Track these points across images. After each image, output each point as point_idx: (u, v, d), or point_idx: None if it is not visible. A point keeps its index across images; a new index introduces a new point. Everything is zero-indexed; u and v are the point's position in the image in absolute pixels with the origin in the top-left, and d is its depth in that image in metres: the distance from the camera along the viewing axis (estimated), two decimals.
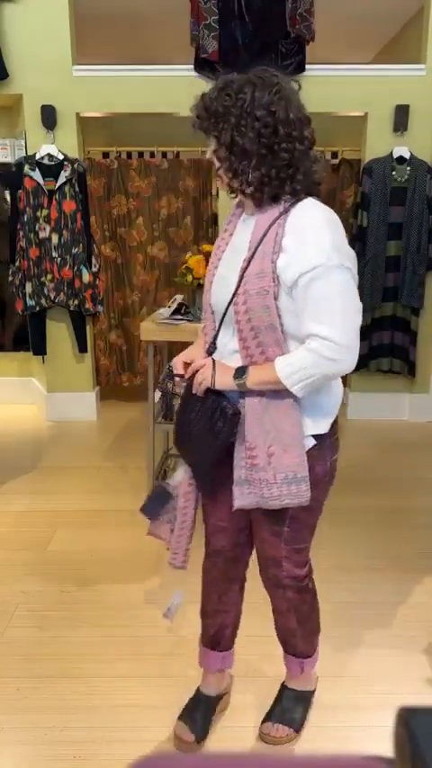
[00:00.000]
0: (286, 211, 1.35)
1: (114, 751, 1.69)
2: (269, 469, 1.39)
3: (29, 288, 3.98)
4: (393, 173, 3.88)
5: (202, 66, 3.83)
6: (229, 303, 1.40)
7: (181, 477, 1.60)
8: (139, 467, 3.41)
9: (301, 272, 1.30)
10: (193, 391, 1.45)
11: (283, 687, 1.78)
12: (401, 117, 3.89)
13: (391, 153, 3.89)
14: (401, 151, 3.87)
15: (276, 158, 1.32)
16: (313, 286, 1.30)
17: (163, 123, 4.34)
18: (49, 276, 3.98)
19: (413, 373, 4.16)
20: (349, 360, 1.34)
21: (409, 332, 4.10)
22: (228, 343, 1.46)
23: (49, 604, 2.32)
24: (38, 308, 4.03)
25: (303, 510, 1.47)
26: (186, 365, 1.53)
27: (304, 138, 1.33)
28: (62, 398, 4.30)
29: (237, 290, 1.38)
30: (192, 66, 3.87)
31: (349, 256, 1.35)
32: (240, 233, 1.46)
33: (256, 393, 1.40)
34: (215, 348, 1.47)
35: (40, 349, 4.18)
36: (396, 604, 2.33)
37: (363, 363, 4.13)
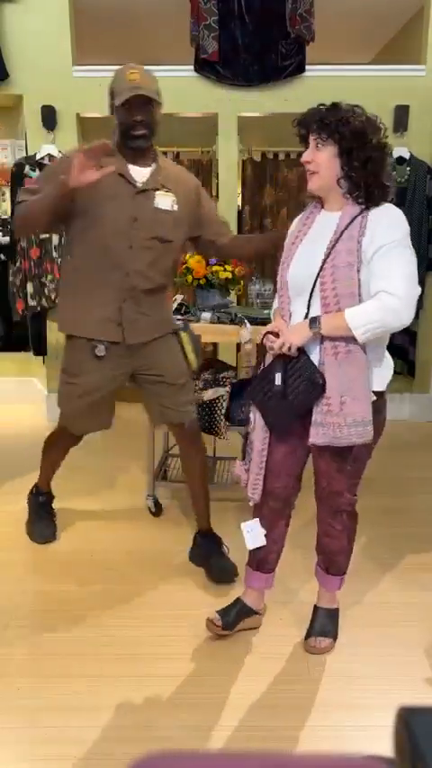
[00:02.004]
0: (368, 209, 1.72)
1: (114, 751, 1.69)
2: (341, 415, 1.73)
3: (30, 288, 3.98)
4: (393, 173, 3.87)
5: (202, 66, 3.84)
6: (317, 276, 1.72)
7: (255, 422, 1.93)
8: (139, 467, 3.41)
9: (380, 244, 1.67)
10: (283, 350, 1.76)
11: (317, 608, 2.12)
12: (401, 117, 3.89)
13: (391, 153, 3.88)
14: (401, 151, 3.87)
15: (376, 168, 1.73)
16: (387, 255, 1.67)
17: (163, 123, 4.34)
18: (50, 276, 3.98)
19: (413, 373, 4.16)
20: (407, 313, 1.67)
21: (408, 332, 4.10)
22: (303, 309, 1.78)
23: (49, 604, 2.32)
24: (38, 309, 4.04)
25: (361, 451, 1.84)
26: (273, 334, 1.82)
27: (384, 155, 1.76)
28: (63, 405, 4.29)
29: (324, 264, 1.70)
30: (192, 67, 3.87)
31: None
32: (321, 224, 1.80)
33: (332, 353, 1.72)
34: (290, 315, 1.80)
35: (40, 349, 4.19)
36: (396, 604, 2.33)
37: None
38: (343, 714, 1.83)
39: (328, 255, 1.71)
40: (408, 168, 3.87)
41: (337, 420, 1.73)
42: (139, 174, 2.21)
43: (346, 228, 1.70)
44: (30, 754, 1.69)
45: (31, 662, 2.03)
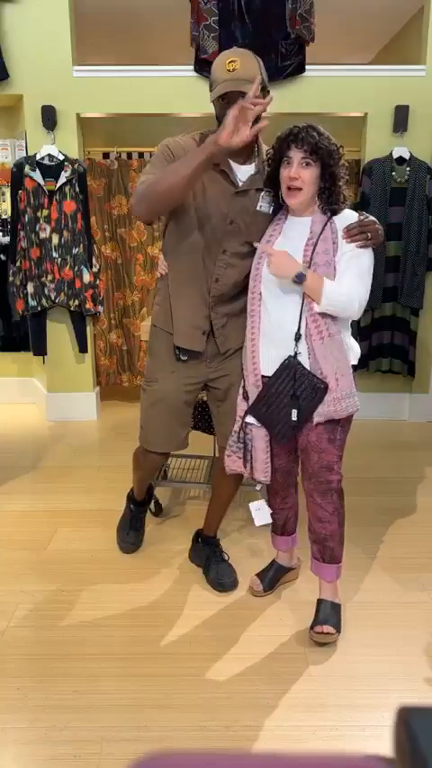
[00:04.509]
0: (332, 216, 1.97)
1: (114, 751, 1.69)
2: (338, 390, 1.96)
3: (30, 288, 3.98)
4: (393, 173, 3.88)
5: (202, 66, 3.83)
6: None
7: (258, 432, 2.13)
8: None
9: (348, 248, 1.94)
10: (272, 272, 1.95)
11: (320, 600, 2.17)
12: (401, 117, 3.89)
13: (391, 153, 3.89)
14: (401, 152, 3.88)
15: (343, 184, 1.97)
16: (353, 259, 1.94)
17: (163, 123, 4.35)
18: (50, 276, 3.98)
19: (413, 373, 4.16)
20: (359, 307, 1.96)
21: (408, 332, 4.10)
22: (292, 302, 1.99)
23: (49, 604, 2.32)
24: (39, 309, 4.04)
25: (347, 420, 2.04)
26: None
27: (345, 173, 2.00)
28: (62, 398, 4.30)
29: (309, 263, 1.94)
30: (192, 67, 3.87)
31: None
32: (293, 228, 2.00)
33: (318, 338, 1.95)
34: (300, 336, 1.97)
35: (40, 349, 4.19)
36: (396, 604, 2.33)
37: (362, 364, 4.12)
38: (343, 714, 1.83)
39: (310, 257, 1.94)
40: (408, 168, 3.87)
41: (337, 395, 1.97)
42: (242, 172, 2.03)
43: (321, 233, 1.95)
44: (30, 754, 1.69)
45: (31, 662, 2.03)
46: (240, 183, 2.02)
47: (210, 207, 2.03)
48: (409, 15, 4.44)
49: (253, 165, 2.05)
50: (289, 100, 3.87)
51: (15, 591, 2.39)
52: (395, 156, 3.88)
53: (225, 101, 1.90)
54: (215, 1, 3.69)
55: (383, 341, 4.15)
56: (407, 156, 3.87)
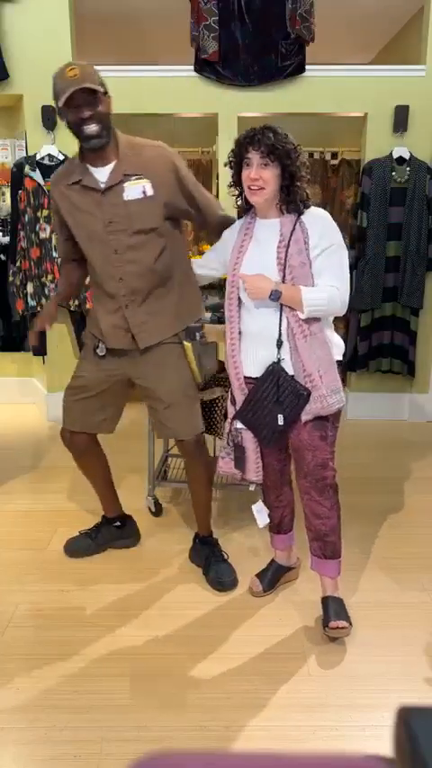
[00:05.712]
0: (300, 215, 2.00)
1: (114, 751, 1.70)
2: (323, 386, 1.98)
3: (30, 288, 3.98)
4: (393, 173, 3.88)
5: (203, 66, 3.83)
6: (283, 277, 1.98)
7: (246, 435, 2.16)
8: (139, 467, 3.41)
9: (324, 247, 1.98)
10: (250, 297, 2.00)
11: (326, 597, 2.17)
12: (401, 117, 3.89)
13: (391, 153, 3.88)
14: (401, 152, 3.87)
15: (302, 183, 1.99)
16: (332, 255, 1.99)
17: (163, 123, 4.35)
18: (50, 276, 3.98)
19: (413, 373, 4.16)
20: (344, 303, 2.01)
21: (408, 332, 4.10)
22: (270, 307, 2.01)
23: (49, 604, 2.32)
24: (39, 309, 4.03)
25: (335, 416, 2.07)
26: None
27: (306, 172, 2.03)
28: (62, 399, 4.29)
29: (283, 266, 1.97)
30: (192, 67, 3.87)
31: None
32: (262, 231, 2.05)
33: (301, 336, 1.97)
34: (281, 342, 2.00)
35: (40, 349, 4.18)
36: (396, 604, 2.33)
37: (362, 364, 4.13)
38: (343, 714, 1.83)
39: (284, 259, 1.98)
40: (408, 168, 3.87)
41: (322, 392, 1.99)
42: (101, 174, 2.11)
43: (291, 234, 1.98)
44: (30, 754, 1.69)
45: (31, 662, 2.03)
46: (103, 184, 2.10)
47: (85, 219, 2.15)
48: (409, 15, 4.44)
49: (112, 163, 2.11)
50: (289, 100, 3.87)
51: (15, 591, 2.39)
52: (395, 156, 3.87)
53: (73, 105, 1.98)
54: (215, 1, 3.69)
55: (383, 341, 4.14)
56: (407, 156, 3.87)
